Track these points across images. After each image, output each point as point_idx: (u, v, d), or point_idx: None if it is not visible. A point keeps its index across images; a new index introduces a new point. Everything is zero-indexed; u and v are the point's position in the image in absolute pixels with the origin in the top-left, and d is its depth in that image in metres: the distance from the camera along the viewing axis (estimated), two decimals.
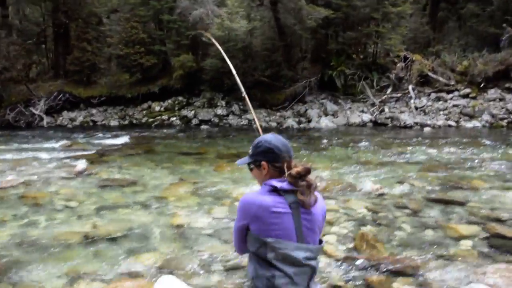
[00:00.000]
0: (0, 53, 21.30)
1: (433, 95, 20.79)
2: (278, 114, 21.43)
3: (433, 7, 28.47)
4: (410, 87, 21.10)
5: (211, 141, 16.56)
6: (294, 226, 2.22)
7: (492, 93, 19.92)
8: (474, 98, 19.99)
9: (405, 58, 22.25)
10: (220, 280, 5.01)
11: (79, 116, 23.06)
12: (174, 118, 22.27)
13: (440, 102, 20.25)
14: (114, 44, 23.70)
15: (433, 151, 12.68)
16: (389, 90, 21.76)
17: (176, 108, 22.96)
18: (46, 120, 21.95)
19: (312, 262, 2.25)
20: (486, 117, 18.65)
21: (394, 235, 6.25)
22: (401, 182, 9.18)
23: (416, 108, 19.99)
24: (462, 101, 19.93)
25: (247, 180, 9.03)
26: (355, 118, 19.93)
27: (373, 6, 20.93)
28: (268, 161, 2.34)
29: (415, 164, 11.11)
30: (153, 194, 8.65)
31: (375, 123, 19.67)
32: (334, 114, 20.61)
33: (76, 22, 24.24)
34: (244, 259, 4.76)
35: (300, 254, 2.20)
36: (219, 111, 21.99)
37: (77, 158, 12.26)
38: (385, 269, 5.12)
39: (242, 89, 3.88)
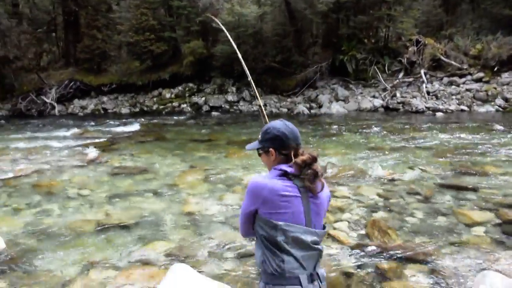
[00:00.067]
0: (11, 42, 21.40)
1: (445, 80, 20.57)
2: (289, 100, 21.36)
3: None
4: (422, 71, 20.87)
5: (221, 127, 16.55)
6: (304, 210, 2.25)
7: (506, 76, 19.65)
8: (487, 82, 19.75)
9: (417, 42, 22.02)
10: (232, 268, 5.02)
11: (90, 104, 23.16)
12: (185, 105, 22.29)
13: (453, 87, 20.03)
14: (124, 31, 23.70)
15: (445, 136, 12.58)
16: (400, 75, 21.57)
17: (187, 95, 22.98)
18: (58, 108, 22.12)
19: (319, 247, 2.30)
20: (499, 101, 18.43)
21: (406, 221, 6.21)
22: (412, 168, 9.12)
23: (428, 93, 19.79)
24: (475, 85, 19.70)
25: (258, 166, 9.04)
26: (367, 103, 19.80)
27: None
28: (275, 148, 2.37)
29: (427, 149, 11.03)
30: (165, 182, 8.68)
31: (387, 108, 19.54)
32: (345, 100, 20.49)
33: (85, 9, 24.29)
34: None
35: (308, 238, 2.24)
36: (230, 98, 21.98)
37: (88, 146, 12.35)
38: (397, 256, 5.11)
39: (248, 73, 3.85)
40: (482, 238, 5.62)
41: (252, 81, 3.83)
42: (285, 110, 20.53)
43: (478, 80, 20.00)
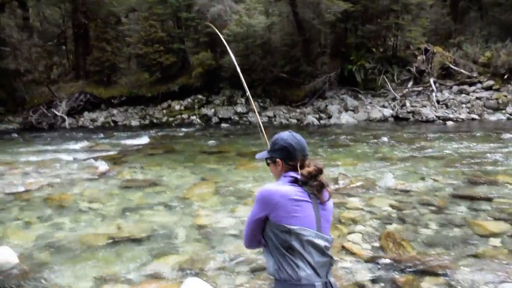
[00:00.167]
0: (22, 56, 21.61)
1: (455, 88, 20.48)
2: (298, 110, 21.34)
3: None
4: (432, 80, 20.80)
5: (231, 139, 16.54)
6: (315, 216, 2.28)
7: None
8: (497, 90, 19.64)
9: (426, 51, 21.96)
10: (245, 281, 4.97)
11: (100, 117, 23.27)
12: (194, 117, 22.34)
13: (463, 95, 19.94)
14: (133, 43, 23.88)
15: (456, 146, 12.48)
16: (410, 84, 21.51)
17: (196, 107, 23.03)
18: (68, 121, 22.23)
19: (330, 254, 2.32)
20: (510, 109, 18.34)
21: (420, 233, 6.13)
22: (424, 178, 9.06)
23: (438, 102, 19.70)
24: (485, 94, 19.60)
25: (269, 178, 8.96)
26: (376, 113, 19.74)
27: None
28: (282, 158, 2.42)
29: (439, 159, 10.94)
30: (176, 194, 8.66)
31: (397, 118, 19.46)
32: (355, 110, 20.43)
33: (95, 22, 24.49)
34: None
35: (321, 243, 2.26)
36: (239, 109, 22.01)
37: (99, 159, 12.36)
38: (412, 269, 5.03)
39: (246, 88, 3.87)
40: (499, 249, 5.53)
41: (250, 96, 3.84)
42: (294, 121, 20.50)
43: (488, 88, 19.89)
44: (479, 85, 20.22)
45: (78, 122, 22.89)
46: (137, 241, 6.29)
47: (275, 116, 20.95)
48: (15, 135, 19.59)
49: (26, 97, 22.68)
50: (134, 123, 22.66)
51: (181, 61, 24.15)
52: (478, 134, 14.40)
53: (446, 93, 20.25)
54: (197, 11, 22.84)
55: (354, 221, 6.61)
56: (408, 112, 19.49)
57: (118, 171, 10.93)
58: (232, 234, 6.41)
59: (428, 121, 18.36)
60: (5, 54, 21.54)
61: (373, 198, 7.82)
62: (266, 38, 21.46)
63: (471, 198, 7.54)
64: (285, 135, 2.46)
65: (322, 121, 19.91)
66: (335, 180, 8.96)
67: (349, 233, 6.20)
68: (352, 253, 5.53)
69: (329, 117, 20.17)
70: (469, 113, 18.65)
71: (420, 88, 21.02)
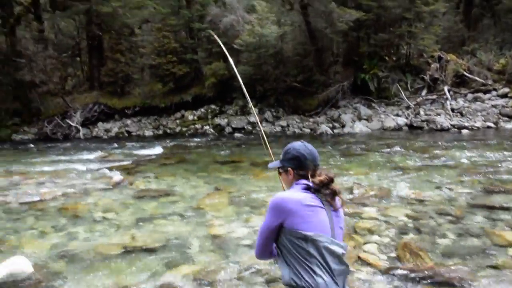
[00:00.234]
0: (37, 67, 21.86)
1: (469, 96, 20.31)
2: (311, 120, 21.28)
3: (467, 4, 27.89)
4: (446, 88, 20.65)
5: (244, 149, 16.52)
6: (329, 222, 2.28)
7: None
8: None
9: (440, 58, 21.84)
10: None
11: (114, 127, 23.41)
12: (208, 127, 22.38)
13: (478, 103, 19.75)
14: (147, 54, 24.08)
15: (472, 154, 12.34)
16: (424, 92, 21.37)
17: (209, 117, 23.08)
18: (83, 131, 22.40)
19: (347, 262, 2.31)
20: None
21: (437, 243, 6.04)
22: (440, 187, 8.95)
23: (453, 110, 19.53)
24: (501, 101, 19.40)
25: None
26: (390, 122, 19.61)
27: (405, 5, 20.63)
28: (293, 168, 2.46)
29: (454, 168, 10.81)
30: (190, 204, 8.64)
31: (411, 127, 19.32)
32: (368, 119, 20.33)
33: (109, 34, 24.73)
34: None
35: (338, 250, 2.24)
36: (252, 119, 22.01)
37: (113, 169, 12.41)
38: (430, 280, 4.94)
39: (249, 99, 3.90)
40: None
41: (253, 108, 3.85)
42: (307, 130, 20.44)
43: (504, 96, 19.69)
44: (494, 93, 20.04)
45: (92, 133, 23.06)
46: (150, 251, 6.27)
47: (288, 125, 20.91)
48: (30, 145, 19.76)
49: (41, 108, 22.91)
50: (148, 133, 22.76)
51: (194, 72, 24.26)
52: (493, 143, 14.23)
53: (460, 101, 20.08)
54: (210, 21, 22.98)
55: (370, 231, 6.53)
56: (422, 121, 19.34)
57: (131, 181, 10.95)
58: (246, 244, 6.36)
59: (442, 129, 18.20)
60: (20, 65, 21.80)
61: (388, 207, 7.73)
62: (278, 48, 21.50)
63: (488, 208, 7.43)
64: (297, 145, 2.51)
65: (335, 131, 19.83)
66: (350, 190, 8.89)
67: (365, 243, 6.12)
68: (368, 264, 5.46)
69: (343, 126, 20.09)
70: (484, 121, 18.45)
71: (434, 97, 20.87)
